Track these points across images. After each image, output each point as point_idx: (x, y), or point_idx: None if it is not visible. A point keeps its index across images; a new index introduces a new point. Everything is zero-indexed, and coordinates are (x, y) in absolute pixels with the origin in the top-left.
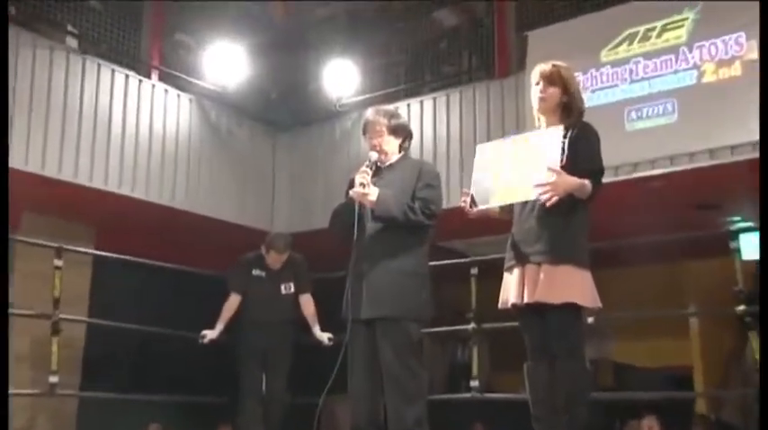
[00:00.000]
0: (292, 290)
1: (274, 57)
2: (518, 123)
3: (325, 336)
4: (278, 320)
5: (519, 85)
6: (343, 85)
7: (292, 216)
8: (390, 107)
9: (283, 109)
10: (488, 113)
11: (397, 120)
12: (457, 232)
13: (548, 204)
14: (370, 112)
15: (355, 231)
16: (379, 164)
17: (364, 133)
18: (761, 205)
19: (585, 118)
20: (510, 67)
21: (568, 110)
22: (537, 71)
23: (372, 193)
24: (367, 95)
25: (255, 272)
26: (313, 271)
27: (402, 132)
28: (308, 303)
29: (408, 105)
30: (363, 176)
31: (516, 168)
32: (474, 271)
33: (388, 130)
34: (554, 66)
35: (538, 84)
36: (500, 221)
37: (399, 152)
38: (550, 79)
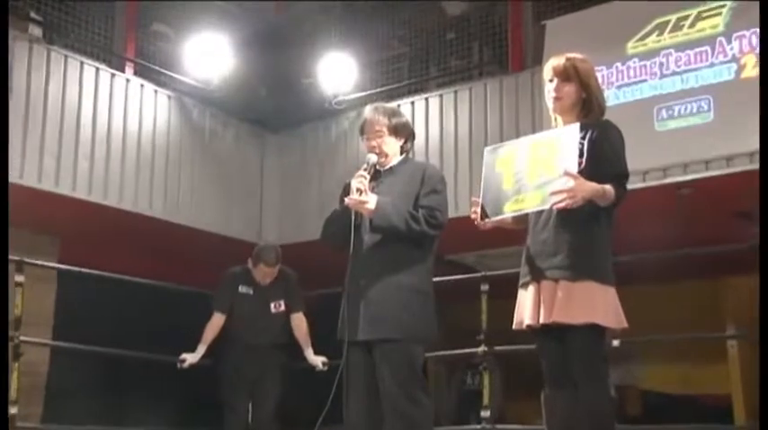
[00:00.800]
0: (283, 308)
1: (263, 49)
2: (534, 122)
3: (318, 360)
4: (267, 343)
5: (535, 80)
6: (340, 80)
7: (282, 226)
8: (391, 105)
9: (273, 107)
10: (501, 111)
11: (399, 119)
12: (465, 244)
13: (565, 213)
14: (368, 111)
15: (351, 243)
16: (378, 167)
17: (362, 133)
18: (761, 206)
19: (611, 118)
20: (525, 60)
21: (588, 107)
22: (549, 67)
23: (370, 200)
24: (366, 92)
25: (242, 288)
26: (306, 287)
27: (404, 132)
28: (300, 323)
29: (412, 103)
30: (360, 181)
31: (530, 173)
32: (485, 287)
33: (388, 130)
34: (568, 59)
35: (551, 81)
36: (514, 231)
37: (401, 154)
38: (565, 75)
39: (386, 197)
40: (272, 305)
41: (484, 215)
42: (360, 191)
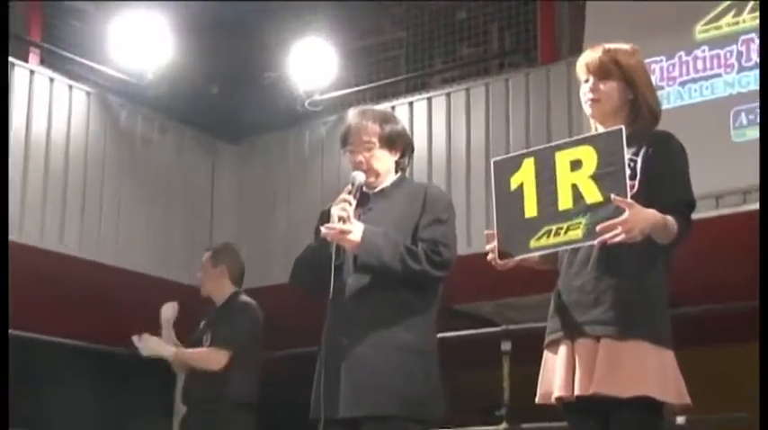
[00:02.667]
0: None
1: (214, 33)
2: (572, 128)
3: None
4: (201, 399)
5: (572, 74)
6: (315, 74)
7: None
8: (384, 107)
9: (227, 109)
10: (528, 115)
11: (394, 127)
12: (480, 289)
13: (610, 251)
14: (353, 115)
15: (331, 288)
16: (366, 189)
17: (345, 144)
18: (761, 206)
19: (671, 124)
20: (559, 49)
21: (636, 112)
22: (581, 63)
23: (355, 231)
24: (349, 90)
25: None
26: (269, 347)
27: (400, 144)
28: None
29: (410, 104)
30: (343, 207)
31: (562, 195)
32: (506, 346)
33: (379, 141)
34: (607, 51)
35: (587, 80)
36: (542, 272)
37: (396, 172)
38: (604, 71)
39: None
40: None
41: (504, 253)
42: (342, 218)
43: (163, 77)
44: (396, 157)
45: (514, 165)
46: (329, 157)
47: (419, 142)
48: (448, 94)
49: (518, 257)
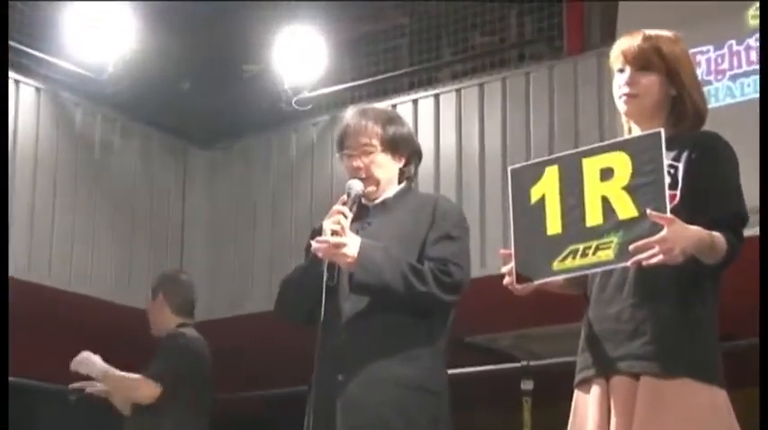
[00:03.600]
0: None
1: (187, 21)
2: (602, 130)
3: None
4: None
5: (603, 67)
6: (303, 68)
7: (214, 291)
8: (385, 106)
9: (200, 109)
10: (551, 114)
11: (399, 129)
12: (497, 318)
13: (649, 274)
14: (352, 114)
15: (322, 315)
16: (365, 200)
17: (341, 149)
18: (761, 206)
19: (720, 124)
20: (589, 38)
21: (678, 110)
22: (617, 51)
23: (350, 245)
24: (343, 85)
25: None
26: (250, 386)
27: (405, 149)
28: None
29: (414, 102)
30: (337, 220)
31: (590, 208)
32: (527, 385)
33: (381, 145)
34: (647, 38)
35: (622, 70)
36: (568, 298)
37: (400, 182)
38: (643, 61)
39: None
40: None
41: (523, 277)
42: (336, 233)
43: (125, 71)
44: (400, 164)
45: (535, 174)
46: (320, 164)
47: (425, 146)
48: (458, 91)
49: (539, 281)
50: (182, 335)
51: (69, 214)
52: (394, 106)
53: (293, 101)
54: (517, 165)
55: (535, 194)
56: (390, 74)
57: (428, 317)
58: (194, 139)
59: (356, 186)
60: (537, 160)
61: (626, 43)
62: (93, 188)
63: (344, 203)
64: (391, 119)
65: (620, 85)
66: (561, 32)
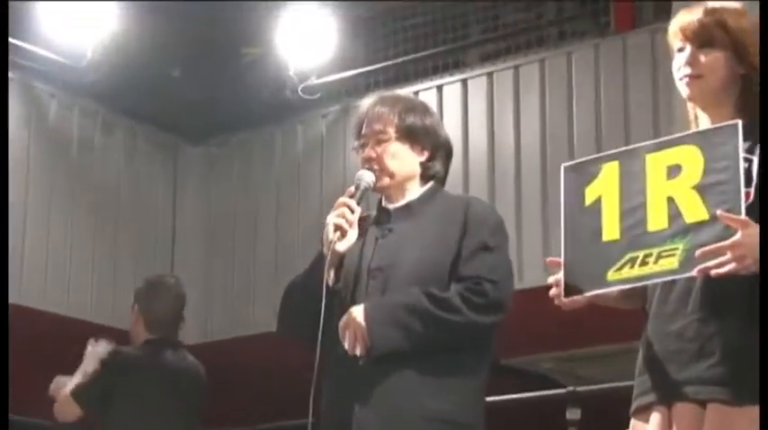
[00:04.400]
0: None
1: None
2: (657, 118)
3: None
4: None
5: (657, 45)
6: (311, 51)
7: (209, 307)
8: (407, 92)
9: (194, 99)
10: (597, 101)
11: (420, 119)
12: (538, 337)
13: (718, 286)
14: (369, 101)
15: (320, 329)
16: (386, 203)
17: (357, 137)
18: (761, 205)
19: None
20: (640, 13)
21: (748, 92)
22: (675, 27)
23: (356, 315)
24: (356, 70)
25: None
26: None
27: (426, 141)
28: None
29: (439, 89)
30: (341, 213)
31: (653, 212)
32: (573, 413)
33: (397, 133)
34: (710, 11)
35: (681, 49)
36: (623, 313)
37: (424, 181)
38: (705, 37)
39: (388, 266)
40: None
41: (570, 288)
42: (340, 230)
43: (105, 57)
44: (421, 158)
45: (592, 171)
46: (331, 162)
47: (455, 137)
48: (489, 75)
49: (591, 293)
50: (121, 352)
51: (43, 222)
52: (416, 93)
53: (299, 88)
54: (571, 162)
55: (591, 194)
56: (411, 56)
57: (464, 341)
58: (186, 134)
59: (366, 177)
60: (594, 156)
61: (685, 18)
62: (70, 192)
63: (352, 196)
64: (412, 107)
65: (680, 65)
66: (608, 6)
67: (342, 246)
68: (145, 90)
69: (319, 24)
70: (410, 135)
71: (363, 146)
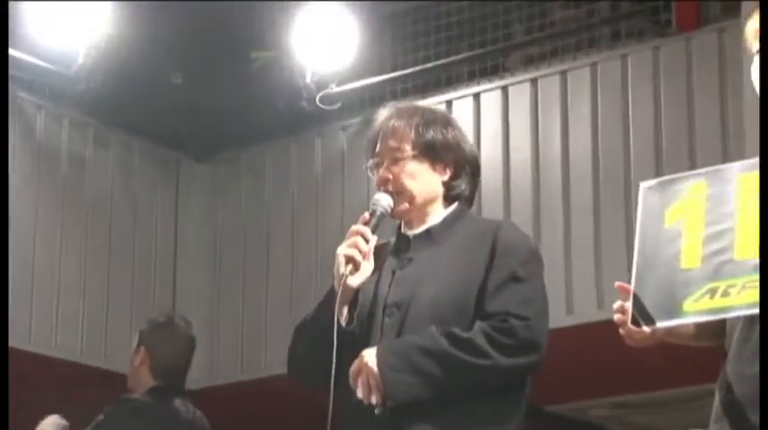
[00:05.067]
0: None
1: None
2: (725, 129)
3: None
4: None
5: (724, 47)
6: (330, 56)
7: (215, 349)
8: (435, 103)
9: (197, 109)
10: (657, 108)
11: (441, 133)
12: (589, 379)
13: None
14: (385, 113)
15: (333, 374)
16: (405, 229)
17: (370, 156)
18: (761, 205)
19: None
20: (706, 10)
21: None
22: (753, 26)
23: (368, 360)
24: (382, 77)
25: None
26: None
27: (449, 158)
28: None
29: (476, 96)
30: (354, 242)
31: (741, 238)
32: None
33: (414, 149)
34: None
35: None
36: (691, 352)
37: (448, 203)
38: None
39: (405, 302)
40: None
41: (642, 317)
42: (353, 262)
43: (99, 62)
44: (444, 177)
45: (675, 191)
46: (353, 180)
47: (490, 153)
48: (533, 81)
49: (663, 324)
50: (129, 401)
51: (27, 249)
52: (449, 103)
53: (317, 98)
54: (652, 181)
55: (672, 217)
56: (444, 60)
57: (494, 390)
58: (189, 149)
59: (383, 201)
60: (680, 175)
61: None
62: (58, 214)
63: (366, 223)
64: (433, 120)
65: (756, 68)
66: (669, 4)
67: (355, 281)
68: (143, 99)
69: (339, 24)
70: (430, 152)
71: (378, 165)
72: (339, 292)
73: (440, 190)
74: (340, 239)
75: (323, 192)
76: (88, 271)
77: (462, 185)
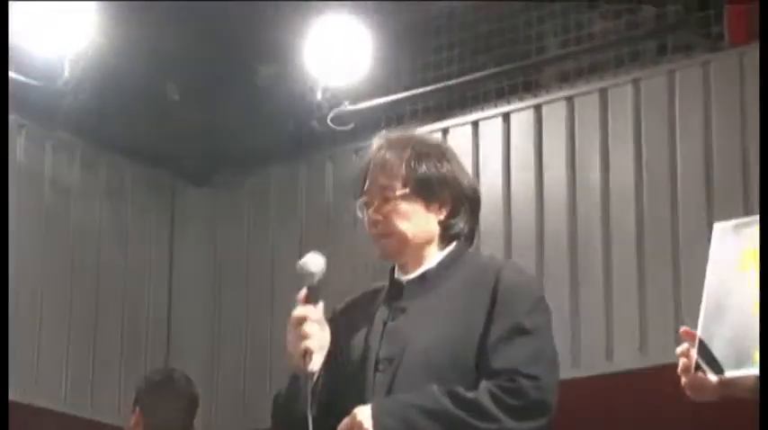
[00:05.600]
0: None
1: (175, 3)
2: None
3: None
4: None
5: None
6: (343, 70)
7: (215, 401)
8: (432, 134)
9: (196, 129)
10: (707, 128)
11: (435, 167)
12: None
13: None
14: (375, 144)
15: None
16: (398, 274)
17: (359, 194)
18: (761, 204)
19: None
20: (759, 24)
21: None
22: None
23: (362, 418)
24: (399, 95)
25: None
26: None
27: (445, 195)
28: None
29: (505, 116)
30: (302, 333)
31: None
32: None
33: (408, 188)
34: None
35: None
36: (745, 406)
37: (446, 244)
38: None
39: (397, 356)
40: None
41: (709, 365)
42: (305, 352)
43: (87, 75)
44: (440, 217)
45: (752, 232)
46: None
47: (520, 178)
48: (569, 99)
49: (730, 373)
50: None
51: (10, 291)
52: (475, 123)
53: (329, 117)
54: (730, 221)
55: (746, 260)
56: (469, 77)
57: None
58: (186, 173)
59: (312, 266)
60: (755, 217)
61: None
62: (41, 246)
63: (306, 300)
64: (426, 152)
65: None
66: (720, 14)
67: (316, 365)
68: (135, 118)
69: (353, 37)
70: (423, 188)
71: (368, 205)
72: (305, 383)
73: (436, 230)
74: (352, 276)
75: (334, 221)
76: (73, 310)
77: (461, 224)
